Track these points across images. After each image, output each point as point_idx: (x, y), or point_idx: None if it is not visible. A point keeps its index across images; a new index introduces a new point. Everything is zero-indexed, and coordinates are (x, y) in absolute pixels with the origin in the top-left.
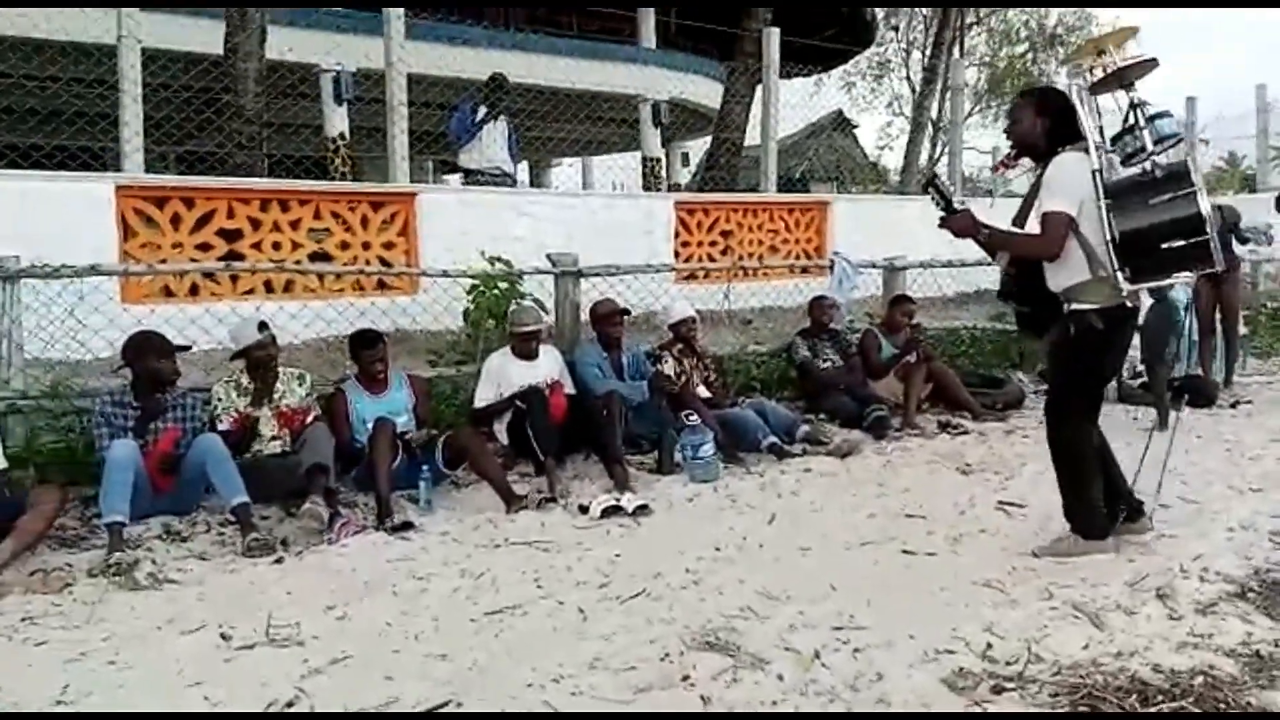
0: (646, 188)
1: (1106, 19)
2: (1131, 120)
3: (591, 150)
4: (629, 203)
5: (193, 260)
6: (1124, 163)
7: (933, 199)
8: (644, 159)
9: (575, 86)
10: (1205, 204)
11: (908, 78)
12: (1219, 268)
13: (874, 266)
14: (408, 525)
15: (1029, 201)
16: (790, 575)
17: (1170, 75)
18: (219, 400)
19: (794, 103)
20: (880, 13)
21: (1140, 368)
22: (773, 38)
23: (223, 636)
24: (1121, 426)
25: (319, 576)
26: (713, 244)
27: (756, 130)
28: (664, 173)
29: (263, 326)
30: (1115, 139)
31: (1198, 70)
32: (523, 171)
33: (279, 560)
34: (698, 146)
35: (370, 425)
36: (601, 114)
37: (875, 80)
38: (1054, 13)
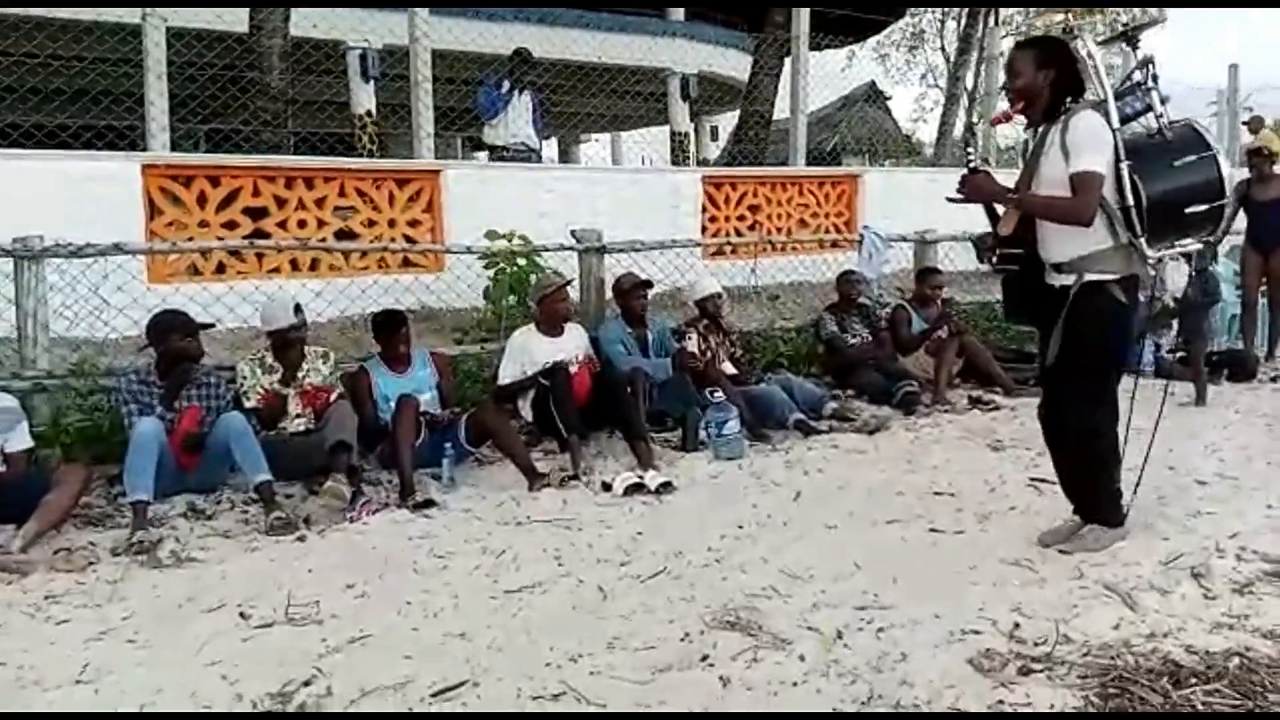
0: (675, 162)
1: None
2: (1138, 78)
3: (620, 125)
4: (655, 177)
5: (219, 239)
6: (1123, 122)
7: (969, 155)
8: (672, 133)
9: (602, 60)
10: (1226, 167)
11: (942, 48)
12: (1222, 236)
13: (904, 240)
14: (430, 503)
15: (1031, 165)
16: (814, 554)
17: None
18: (244, 378)
19: (826, 75)
20: None
21: (1179, 341)
22: (803, 8)
23: (242, 615)
24: (1157, 401)
25: (340, 555)
26: (740, 219)
27: (786, 103)
28: (693, 147)
29: (298, 309)
30: (1117, 97)
31: (1237, 38)
32: (551, 148)
33: (301, 538)
34: (727, 120)
35: (393, 403)
36: (629, 88)
37: (910, 51)
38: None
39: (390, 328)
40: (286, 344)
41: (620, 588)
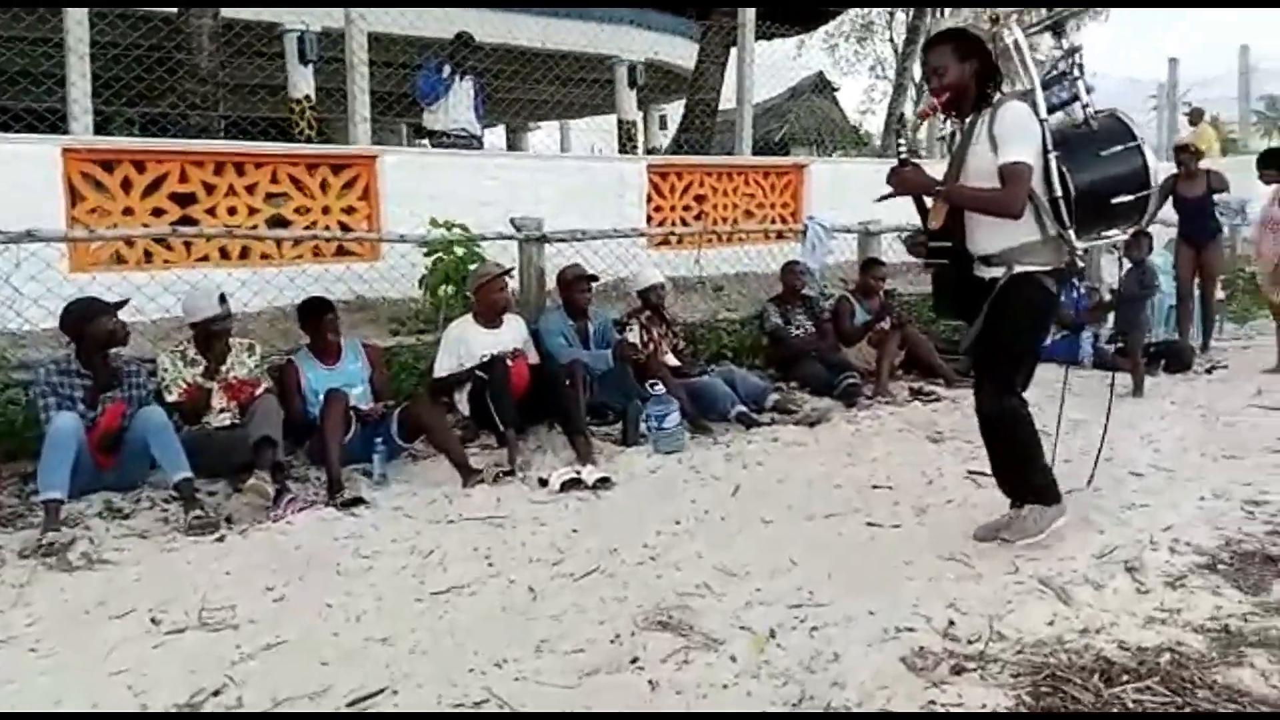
0: (622, 151)
1: None
2: (1062, 68)
3: (569, 113)
4: (600, 165)
5: (144, 225)
6: (1050, 112)
7: (899, 147)
8: (620, 122)
9: (547, 46)
10: (1151, 157)
11: (891, 40)
12: (1147, 224)
13: (848, 231)
14: (358, 501)
15: (959, 156)
16: (751, 550)
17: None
18: (165, 371)
19: (775, 65)
20: None
21: (1116, 332)
22: None
23: (153, 620)
24: (1096, 392)
25: (261, 555)
26: (686, 208)
27: (735, 92)
28: (641, 136)
29: (222, 299)
30: (1044, 86)
31: (1178, 32)
32: (499, 135)
33: (221, 539)
34: (676, 109)
35: (323, 397)
36: (576, 75)
37: (859, 43)
38: None
39: (315, 314)
40: (210, 336)
41: (551, 588)
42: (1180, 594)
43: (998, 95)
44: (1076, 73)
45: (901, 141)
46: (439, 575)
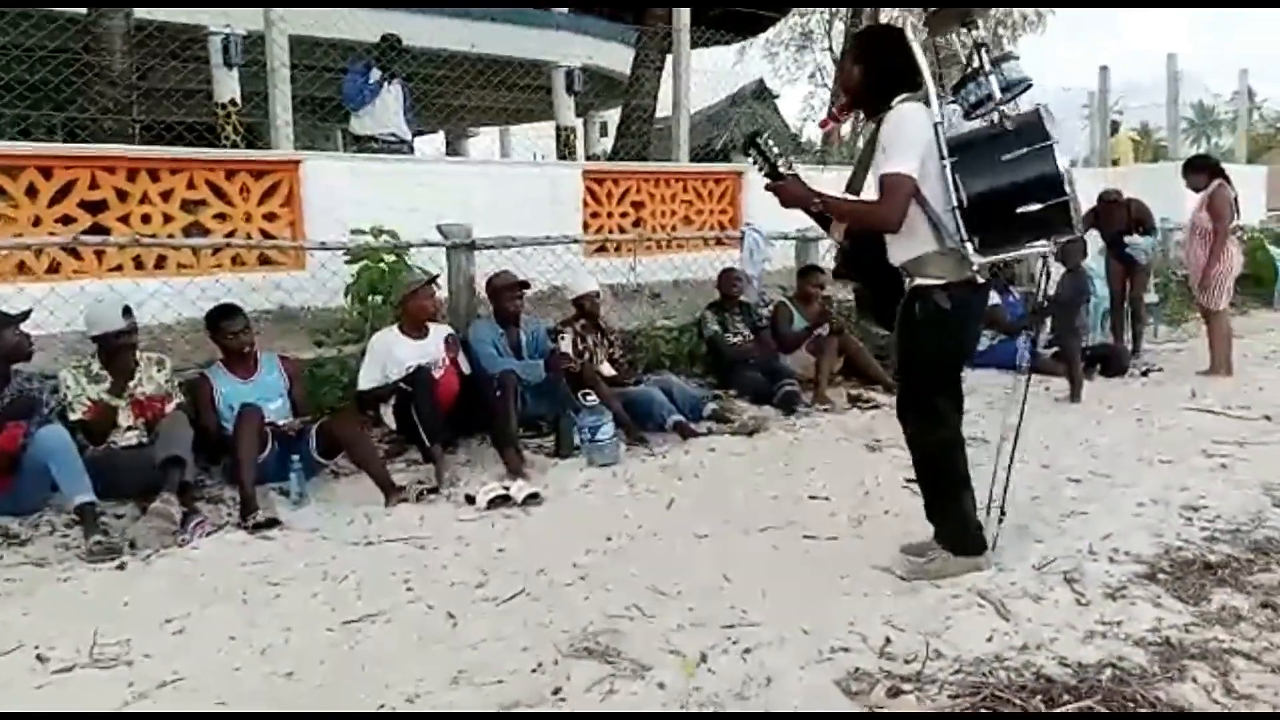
0: (561, 158)
1: None
2: (976, 64)
3: (510, 119)
4: (535, 171)
5: (50, 234)
6: (968, 115)
7: (754, 162)
8: (558, 128)
9: (482, 51)
10: (1063, 160)
11: (830, 49)
12: (1078, 233)
13: (785, 238)
14: (272, 523)
15: (864, 163)
16: (683, 567)
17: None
18: (68, 388)
19: (715, 72)
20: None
21: (1052, 337)
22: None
23: (39, 658)
24: (1033, 398)
25: (164, 583)
26: (624, 215)
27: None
28: (580, 142)
29: (127, 311)
30: (957, 88)
31: (1112, 42)
32: (438, 141)
33: (121, 566)
34: (617, 116)
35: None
36: (514, 81)
37: (798, 51)
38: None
39: (223, 321)
40: (115, 350)
41: (472, 613)
42: (1120, 605)
43: (899, 99)
44: (989, 68)
45: (776, 150)
46: (352, 602)
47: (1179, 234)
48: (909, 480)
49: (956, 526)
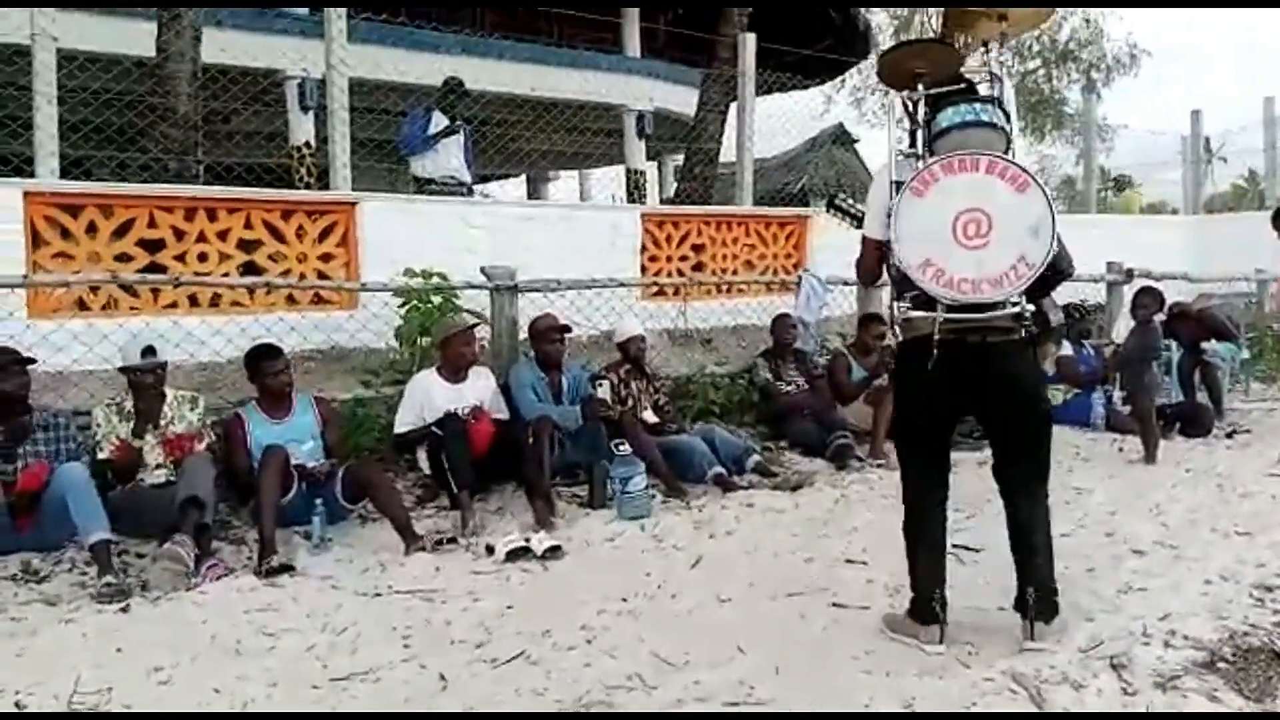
0: (631, 201)
1: (1119, 34)
2: (921, 116)
3: (586, 163)
4: (593, 214)
5: (110, 273)
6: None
7: (841, 220)
8: (628, 171)
9: (553, 95)
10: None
11: None
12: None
13: (845, 284)
14: (286, 568)
15: None
16: (698, 633)
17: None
18: (98, 426)
19: (782, 114)
20: (889, 25)
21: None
22: (748, 43)
23: (17, 705)
24: (1106, 457)
25: (163, 629)
26: (683, 258)
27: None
28: (653, 185)
29: (149, 351)
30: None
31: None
32: (520, 186)
33: (125, 609)
34: None
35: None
36: (585, 125)
37: (885, 95)
38: (1066, 27)
39: (264, 361)
40: (137, 388)
41: (466, 675)
42: (1170, 697)
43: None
44: (920, 120)
45: (859, 207)
46: (346, 657)
47: (1274, 285)
48: (956, 546)
49: (912, 586)
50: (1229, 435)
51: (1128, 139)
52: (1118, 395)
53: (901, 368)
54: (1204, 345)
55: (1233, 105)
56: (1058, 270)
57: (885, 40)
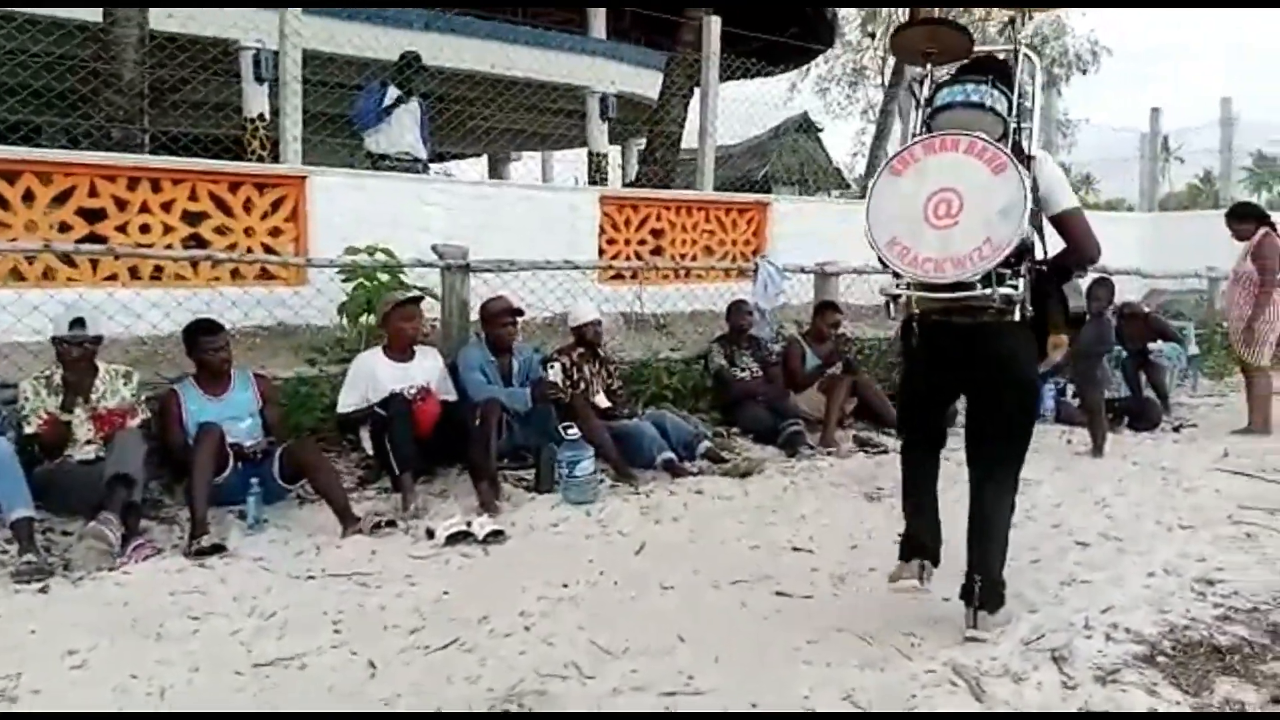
0: (593, 184)
1: (1083, 28)
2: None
3: (550, 144)
4: (550, 195)
5: (45, 242)
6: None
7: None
8: (590, 154)
9: (515, 73)
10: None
11: (882, 85)
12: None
13: (803, 271)
14: (217, 549)
15: None
16: (638, 622)
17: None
18: (26, 399)
19: (749, 100)
20: (855, 16)
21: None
22: (713, 26)
23: None
24: (1054, 449)
25: (82, 611)
26: (642, 242)
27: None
28: (615, 169)
29: (78, 323)
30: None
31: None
32: (481, 166)
33: (45, 589)
34: None
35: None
36: (548, 105)
37: (850, 87)
38: (1031, 25)
39: (202, 336)
40: (67, 360)
41: (397, 662)
42: (1110, 691)
43: None
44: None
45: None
46: (272, 643)
47: (1224, 284)
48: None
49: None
50: (1175, 430)
51: (1091, 135)
52: (1070, 387)
53: (902, 344)
54: (1150, 347)
55: (1200, 105)
56: (1082, 256)
57: (851, 30)
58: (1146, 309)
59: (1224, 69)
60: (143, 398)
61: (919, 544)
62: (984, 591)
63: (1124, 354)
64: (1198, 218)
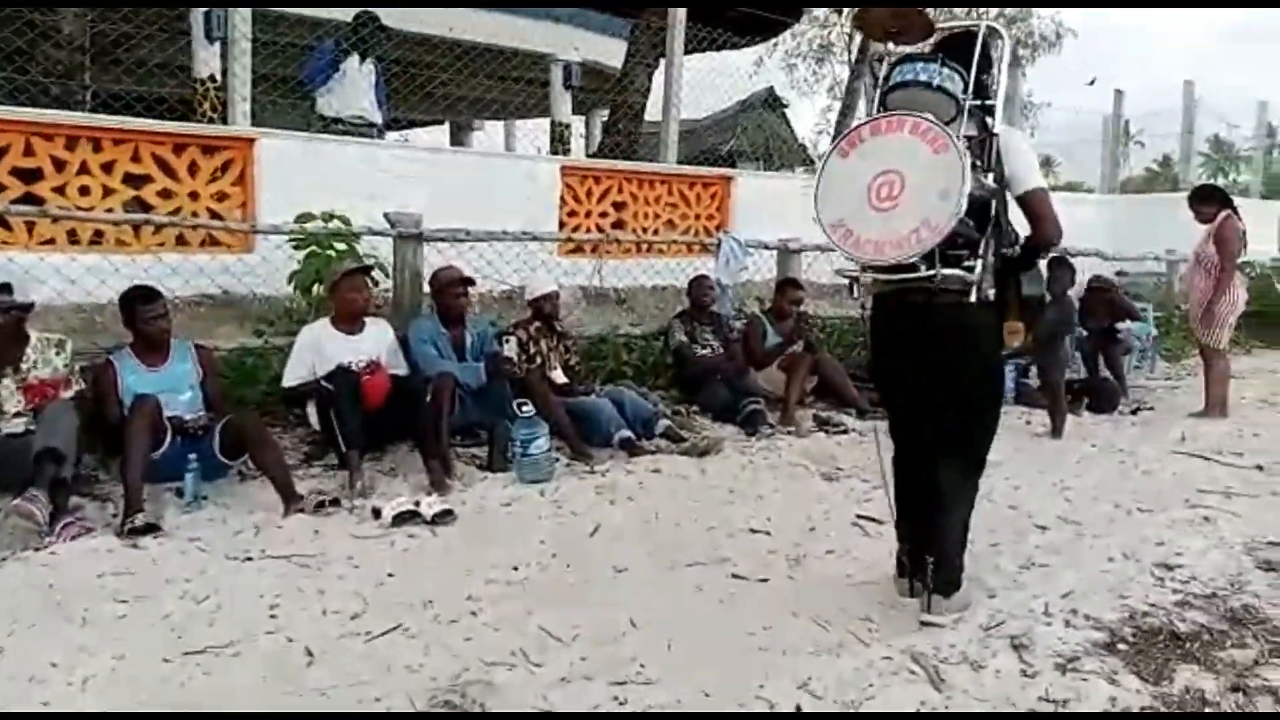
0: (555, 154)
1: (1046, 11)
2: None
3: (514, 113)
4: (508, 164)
5: None
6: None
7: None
8: (553, 123)
9: (476, 39)
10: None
11: (849, 62)
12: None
13: (765, 247)
14: (151, 528)
15: None
16: (589, 606)
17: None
18: None
19: (716, 72)
20: None
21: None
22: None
23: None
24: (1013, 430)
25: (2, 593)
26: (603, 215)
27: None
28: (578, 140)
29: (4, 289)
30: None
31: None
32: (442, 134)
33: None
34: None
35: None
36: (510, 73)
37: (817, 63)
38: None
39: (140, 304)
40: None
41: (335, 650)
42: (1070, 680)
43: None
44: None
45: None
46: (204, 629)
47: (1183, 266)
48: (861, 517)
49: None
50: (1134, 412)
51: (1058, 116)
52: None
53: (869, 325)
54: (1119, 325)
55: (1164, 90)
56: (1044, 237)
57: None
58: (1115, 283)
59: (1185, 56)
60: (76, 368)
61: (904, 554)
62: (938, 574)
63: (1084, 333)
64: (1158, 200)
